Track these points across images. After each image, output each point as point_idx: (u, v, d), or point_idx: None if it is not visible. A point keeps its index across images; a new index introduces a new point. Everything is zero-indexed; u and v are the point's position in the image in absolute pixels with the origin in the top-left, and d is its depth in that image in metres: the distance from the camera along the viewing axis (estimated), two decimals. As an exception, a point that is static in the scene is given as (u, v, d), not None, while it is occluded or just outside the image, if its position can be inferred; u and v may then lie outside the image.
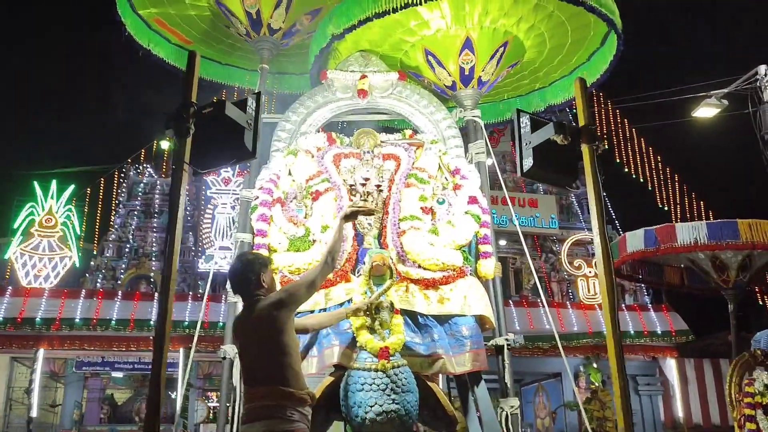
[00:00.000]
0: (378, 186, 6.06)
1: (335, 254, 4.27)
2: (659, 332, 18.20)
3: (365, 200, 4.61)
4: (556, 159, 4.45)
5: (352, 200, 6.29)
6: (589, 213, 4.77)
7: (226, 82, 9.36)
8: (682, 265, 13.12)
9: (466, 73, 7.33)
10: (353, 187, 6.45)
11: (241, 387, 5.93)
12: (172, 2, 8.18)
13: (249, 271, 3.94)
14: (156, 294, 16.94)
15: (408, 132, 6.99)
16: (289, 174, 6.59)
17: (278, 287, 4.18)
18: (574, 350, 17.48)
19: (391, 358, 4.98)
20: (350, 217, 4.46)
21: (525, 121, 4.53)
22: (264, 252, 5.93)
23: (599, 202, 4.36)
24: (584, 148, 4.41)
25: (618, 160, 21.22)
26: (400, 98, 7.11)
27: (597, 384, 16.76)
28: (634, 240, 12.06)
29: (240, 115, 4.37)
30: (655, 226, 11.85)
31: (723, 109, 11.57)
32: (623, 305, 19.33)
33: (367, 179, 6.32)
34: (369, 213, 4.73)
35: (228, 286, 6.78)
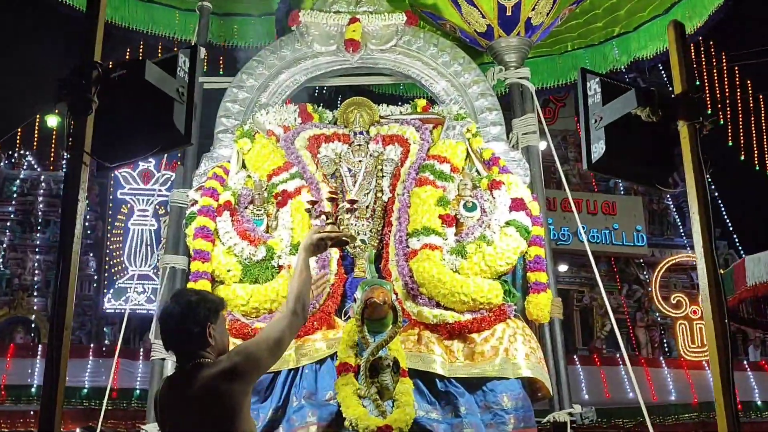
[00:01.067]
0: (352, 203, 5.72)
1: (305, 302, 4.25)
2: (799, 403, 18.25)
3: (331, 222, 4.44)
4: (640, 144, 4.48)
5: (337, 205, 6.34)
6: (691, 224, 4.77)
7: (149, 29, 9.35)
8: (829, 305, 13.19)
9: (509, 13, 7.38)
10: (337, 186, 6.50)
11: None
12: None
13: (190, 322, 3.92)
14: (39, 347, 16.97)
15: (421, 103, 7.06)
16: (243, 167, 6.65)
17: (230, 342, 4.18)
18: (672, 429, 17.53)
19: (395, 443, 5.02)
20: (318, 248, 4.41)
21: (594, 86, 4.55)
22: (206, 284, 5.98)
23: (705, 208, 4.38)
24: (682, 128, 4.44)
25: (731, 143, 21.24)
26: (409, 52, 7.18)
27: (706, 482, 16.82)
28: (757, 267, 12.10)
29: (167, 81, 4.39)
30: (789, 248, 11.91)
31: None
32: (746, 363, 19.38)
33: (334, 193, 5.43)
34: (342, 243, 4.61)
35: (152, 335, 6.82)
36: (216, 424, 3.73)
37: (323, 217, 4.54)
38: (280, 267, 6.05)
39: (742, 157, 21.23)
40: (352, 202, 5.19)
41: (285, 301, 4.22)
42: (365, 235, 6.34)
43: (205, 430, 3.75)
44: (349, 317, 5.76)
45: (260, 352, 3.92)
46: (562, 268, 19.70)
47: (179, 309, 3.92)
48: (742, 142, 21.31)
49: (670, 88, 4.73)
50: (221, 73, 9.28)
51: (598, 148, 4.47)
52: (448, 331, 5.79)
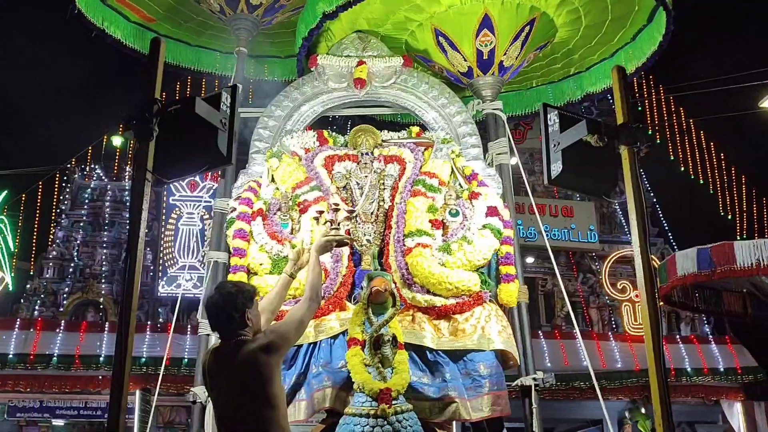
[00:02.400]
0: (351, 212, 5.86)
1: (318, 290, 4.41)
2: (722, 370, 18.24)
3: (335, 228, 4.55)
4: (590, 163, 4.55)
5: (348, 213, 6.39)
6: (630, 227, 4.86)
7: (195, 67, 9.42)
8: (745, 290, 13.22)
9: (485, 57, 7.46)
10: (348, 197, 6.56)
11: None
12: (131, -29, 8.30)
13: (231, 308, 3.99)
14: (107, 324, 17.03)
15: (415, 129, 7.13)
16: (272, 181, 6.71)
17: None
18: (618, 392, 17.55)
19: (393, 401, 5.06)
20: (325, 248, 4.57)
21: (553, 117, 4.62)
22: (242, 275, 6.05)
23: (641, 214, 4.47)
24: (623, 151, 4.52)
25: (673, 157, 21.28)
26: (405, 88, 7.24)
27: (646, 433, 16.84)
28: (686, 261, 12.14)
29: (212, 113, 4.47)
30: (710, 245, 11.95)
31: (796, 98, 11.68)
32: (678, 337, 19.39)
33: (336, 204, 5.82)
34: (342, 244, 4.76)
35: (199, 315, 6.90)
36: (255, 388, 3.82)
37: (328, 224, 4.64)
38: (302, 261, 6.09)
39: (682, 168, 21.27)
40: (351, 212, 5.44)
41: (305, 290, 4.37)
42: (370, 236, 6.39)
43: (246, 392, 3.84)
44: (357, 301, 5.82)
45: (289, 331, 4.06)
46: (529, 260, 19.72)
47: (222, 299, 4.02)
48: (680, 156, 21.36)
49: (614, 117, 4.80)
50: (250, 102, 9.32)
51: (557, 167, 4.55)
52: (436, 313, 5.87)
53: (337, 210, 4.79)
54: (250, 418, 3.81)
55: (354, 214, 6.28)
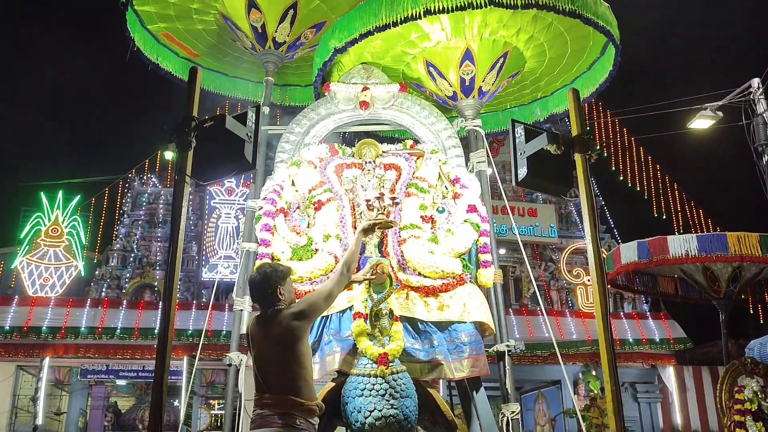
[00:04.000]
0: (393, 199, 6.00)
1: (351, 265, 4.42)
2: (658, 340, 18.26)
3: (381, 212, 4.63)
4: (550, 168, 4.50)
5: (354, 210, 6.33)
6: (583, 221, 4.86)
7: (232, 94, 9.48)
8: (676, 276, 13.25)
9: (467, 83, 7.40)
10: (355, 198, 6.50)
11: (245, 394, 6.00)
12: (180, 17, 8.26)
13: (266, 285, 4.04)
14: (160, 303, 16.99)
15: (409, 142, 7.05)
16: (293, 184, 6.64)
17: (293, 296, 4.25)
18: (573, 358, 17.54)
19: (390, 364, 5.01)
20: (368, 230, 4.60)
21: (519, 131, 4.58)
22: (267, 261, 5.99)
23: (592, 211, 4.41)
24: (577, 158, 4.46)
25: (614, 168, 21.30)
26: (402, 109, 7.17)
27: (596, 391, 16.78)
28: (628, 252, 12.22)
29: (240, 128, 4.44)
30: (648, 239, 11.99)
31: (718, 121, 11.64)
32: (622, 313, 19.38)
33: (381, 194, 6.14)
34: (387, 226, 4.90)
35: (234, 294, 6.87)
36: (286, 347, 3.83)
37: (375, 210, 4.68)
38: (316, 250, 6.04)
39: (621, 178, 21.28)
40: (393, 198, 5.41)
41: (337, 265, 4.52)
42: (372, 229, 6.31)
43: (279, 351, 3.82)
44: (361, 282, 5.75)
45: (317, 302, 4.11)
46: (502, 251, 19.66)
47: (260, 277, 4.04)
48: (621, 168, 21.36)
49: (570, 132, 4.74)
50: (279, 123, 9.32)
51: (523, 171, 4.50)
52: (426, 292, 5.78)
53: (381, 197, 4.79)
54: (282, 372, 3.80)
55: (396, 201, 6.24)
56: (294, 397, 3.73)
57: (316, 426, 3.85)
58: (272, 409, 3.73)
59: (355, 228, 6.25)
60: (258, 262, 6.08)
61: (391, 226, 4.99)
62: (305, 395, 3.76)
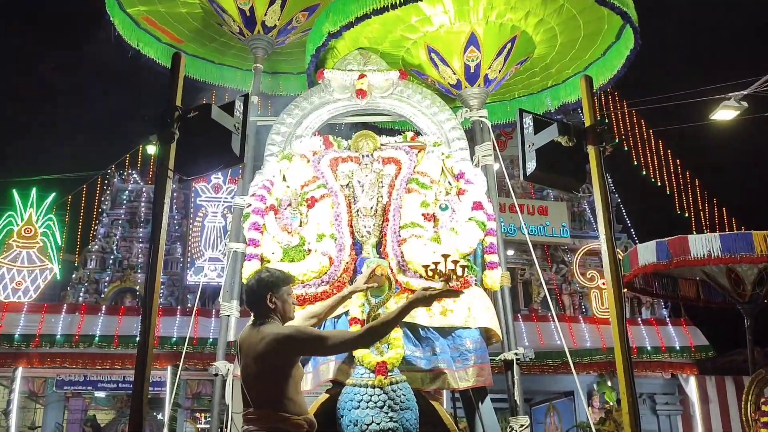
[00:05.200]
0: (455, 262, 5.25)
1: (376, 337, 4.26)
2: (678, 348, 18.21)
3: (444, 280, 4.23)
4: (561, 161, 4.48)
5: (350, 208, 6.32)
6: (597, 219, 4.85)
7: (220, 82, 9.45)
8: (698, 278, 13.21)
9: (472, 70, 7.38)
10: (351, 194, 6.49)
11: (232, 407, 5.97)
12: (161, 0, 8.24)
13: (257, 293, 3.95)
14: (142, 308, 16.98)
15: (409, 134, 7.04)
16: (284, 180, 6.63)
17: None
18: (587, 367, 17.50)
19: (389, 373, 5.01)
20: (427, 303, 4.26)
21: (528, 121, 4.57)
22: (256, 263, 5.98)
23: (607, 209, 4.38)
24: (590, 150, 4.44)
25: (636, 163, 21.28)
26: (402, 98, 7.16)
27: (611, 403, 16.76)
28: (646, 252, 12.16)
29: (227, 119, 4.43)
30: (667, 238, 11.95)
31: (742, 111, 11.62)
32: (639, 319, 19.35)
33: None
34: (449, 296, 4.37)
35: (220, 299, 6.86)
36: (271, 365, 3.75)
37: (440, 278, 4.36)
38: (309, 251, 6.03)
39: (643, 172, 21.30)
40: (455, 262, 4.46)
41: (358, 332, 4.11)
42: (370, 228, 6.29)
43: (263, 368, 3.77)
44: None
45: (315, 341, 3.90)
46: (510, 252, 19.67)
47: (254, 283, 3.99)
48: (638, 162, 21.38)
49: (583, 122, 4.73)
50: (270, 114, 9.31)
51: (531, 165, 4.49)
52: (428, 295, 5.77)
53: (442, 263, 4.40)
54: (264, 388, 3.76)
55: (368, 209, 6.27)
56: (279, 412, 3.69)
57: None
58: (257, 424, 3.71)
59: (351, 227, 6.24)
60: (246, 264, 6.07)
61: (456, 295, 4.52)
62: (291, 410, 3.72)
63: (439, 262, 4.25)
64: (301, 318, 4.72)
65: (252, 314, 4.02)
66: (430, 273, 4.31)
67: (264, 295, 3.92)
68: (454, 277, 4.26)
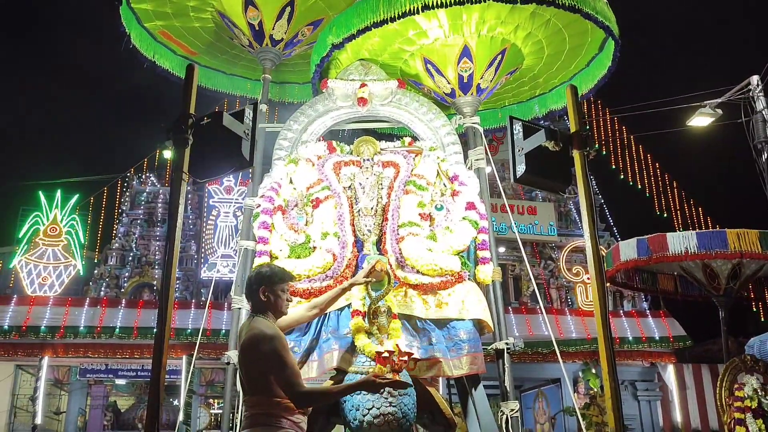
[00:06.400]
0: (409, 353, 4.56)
1: (313, 403, 3.93)
2: (657, 338, 18.25)
3: (395, 371, 4.07)
4: (548, 165, 4.49)
5: (352, 208, 6.32)
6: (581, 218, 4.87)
7: (230, 91, 9.46)
8: (675, 273, 13.25)
9: (465, 80, 7.38)
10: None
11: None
12: (177, 15, 8.25)
13: (252, 285, 3.91)
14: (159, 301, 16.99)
15: (407, 139, 7.03)
16: (291, 182, 6.62)
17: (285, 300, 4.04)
18: (573, 356, 17.54)
19: (388, 362, 4.98)
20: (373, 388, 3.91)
21: (517, 127, 4.57)
22: (265, 258, 5.97)
23: (590, 208, 4.39)
24: (575, 154, 4.45)
25: (613, 166, 21.28)
26: (400, 106, 7.15)
27: (595, 389, 16.78)
28: (627, 249, 12.21)
29: (237, 126, 4.44)
30: (647, 236, 11.98)
31: (717, 118, 11.61)
32: (621, 311, 19.37)
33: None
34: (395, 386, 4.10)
35: (232, 292, 6.85)
36: (252, 358, 3.71)
37: (389, 366, 4.23)
38: (314, 248, 6.02)
39: (621, 176, 21.27)
40: (408, 354, 4.32)
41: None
42: (370, 227, 6.27)
43: (247, 359, 3.74)
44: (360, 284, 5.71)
45: (268, 356, 3.64)
46: (501, 249, 19.68)
47: (253, 275, 3.96)
48: (621, 166, 21.37)
49: (569, 129, 4.72)
50: (276, 121, 9.32)
51: (521, 168, 4.50)
52: (424, 290, 5.76)
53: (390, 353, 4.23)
54: (256, 377, 3.70)
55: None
56: (271, 397, 3.64)
57: (302, 423, 3.74)
58: (254, 410, 3.67)
59: (353, 226, 6.24)
60: (256, 260, 6.07)
61: (403, 387, 4.21)
62: (282, 394, 3.66)
63: (393, 352, 4.09)
64: (304, 308, 4.70)
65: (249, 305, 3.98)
66: (383, 360, 4.12)
67: (257, 287, 3.88)
68: (406, 368, 4.14)
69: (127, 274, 19.71)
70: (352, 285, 4.99)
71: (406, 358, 4.11)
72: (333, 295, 4.82)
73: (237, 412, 6.25)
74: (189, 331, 16.09)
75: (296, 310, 4.85)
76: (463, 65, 7.29)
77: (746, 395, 7.21)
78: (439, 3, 6.48)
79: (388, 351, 4.12)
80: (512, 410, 5.97)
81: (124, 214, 20.68)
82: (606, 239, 21.02)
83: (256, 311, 3.89)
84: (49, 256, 17.47)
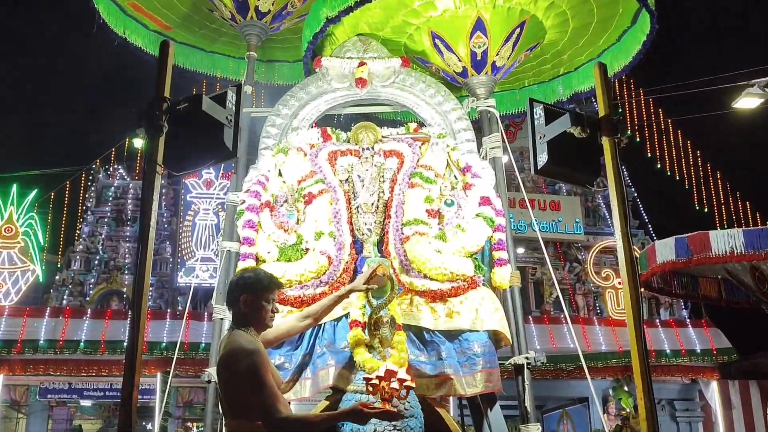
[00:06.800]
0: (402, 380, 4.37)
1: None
2: (699, 351, 18.23)
3: (386, 399, 4.05)
4: (574, 154, 4.47)
5: (349, 204, 6.33)
6: (611, 212, 4.87)
7: (211, 72, 9.44)
8: (719, 277, 13.21)
9: (479, 57, 7.38)
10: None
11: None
12: (149, -16, 8.26)
13: (233, 293, 3.89)
14: (129, 312, 16.99)
15: (412, 125, 7.04)
16: (279, 175, 6.64)
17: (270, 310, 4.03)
18: (602, 372, 17.53)
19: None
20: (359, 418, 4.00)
21: (539, 111, 4.55)
22: (251, 262, 5.98)
23: (622, 202, 4.38)
24: (605, 141, 4.44)
25: (649, 155, 21.23)
26: (404, 87, 7.16)
27: (628, 409, 16.78)
28: (665, 249, 12.15)
29: (219, 111, 4.43)
30: (687, 234, 11.93)
31: (766, 99, 11.62)
32: (658, 321, 19.36)
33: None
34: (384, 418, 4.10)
35: (213, 301, 6.85)
36: (223, 383, 3.71)
37: (378, 394, 4.20)
38: (306, 250, 6.03)
39: (658, 166, 21.23)
40: (401, 381, 4.21)
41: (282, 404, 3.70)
42: (370, 225, 6.29)
43: (221, 377, 3.74)
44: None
45: (244, 376, 3.62)
46: (520, 250, 19.68)
47: (234, 280, 3.95)
48: (657, 154, 21.32)
49: (597, 112, 4.73)
50: (263, 105, 9.30)
51: (543, 158, 4.48)
52: (433, 297, 5.77)
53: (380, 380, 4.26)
54: (233, 399, 3.69)
55: (368, 206, 6.26)
56: (253, 422, 3.58)
57: None
58: None
59: (351, 224, 6.25)
60: (240, 264, 6.08)
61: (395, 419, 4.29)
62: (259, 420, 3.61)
63: (383, 378, 4.07)
64: (295, 318, 4.70)
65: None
66: (371, 388, 4.10)
67: (238, 295, 3.85)
68: (397, 397, 4.12)
69: (92, 280, 19.73)
70: (350, 292, 5.00)
71: (397, 385, 4.08)
72: (328, 304, 4.83)
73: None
74: (164, 345, 16.10)
75: (286, 320, 4.85)
76: (477, 40, 7.28)
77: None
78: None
79: (378, 377, 4.10)
80: (533, 434, 5.99)
81: (89, 212, 20.70)
82: (640, 238, 21.03)
83: (236, 323, 3.87)
84: (4, 260, 17.49)
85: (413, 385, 4.30)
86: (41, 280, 18.21)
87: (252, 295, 3.86)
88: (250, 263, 6.00)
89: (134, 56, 8.97)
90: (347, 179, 6.55)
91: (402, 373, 4.15)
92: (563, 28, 7.63)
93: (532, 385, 6.23)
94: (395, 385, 4.10)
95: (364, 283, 4.99)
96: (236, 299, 3.86)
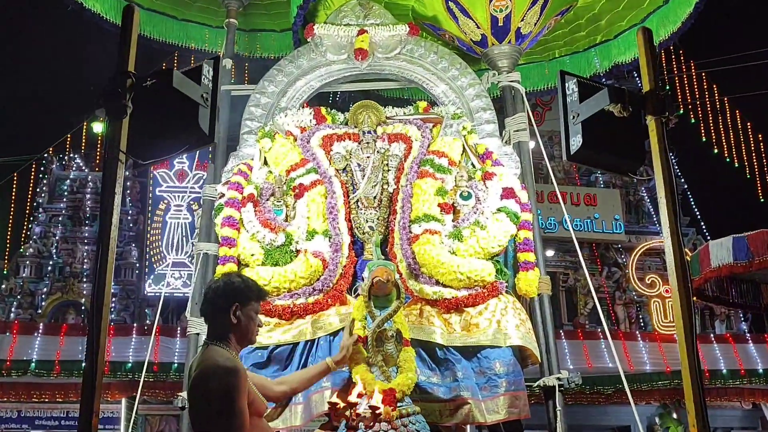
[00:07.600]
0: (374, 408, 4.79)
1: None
2: (761, 371, 18.19)
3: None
4: (613, 137, 4.45)
5: (347, 197, 6.33)
6: (659, 206, 4.82)
7: (184, 43, 9.38)
8: (787, 283, 13.19)
9: (500, 23, 7.38)
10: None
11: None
12: (110, -60, 8.26)
13: (218, 302, 3.78)
14: (89, 326, 17.03)
15: (422, 104, 7.05)
16: (265, 163, 6.65)
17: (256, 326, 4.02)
18: (647, 395, 17.48)
19: (398, 403, 4.98)
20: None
21: (571, 86, 4.53)
22: (232, 267, 5.98)
23: (671, 195, 4.35)
24: (650, 122, 4.41)
25: (704, 139, 21.16)
26: (412, 59, 7.17)
27: (678, 440, 16.80)
28: (720, 251, 12.11)
29: (193, 88, 4.40)
30: (746, 233, 11.90)
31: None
32: (713, 335, 19.36)
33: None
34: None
35: (187, 313, 6.86)
36: (192, 395, 3.69)
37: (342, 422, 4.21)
38: (297, 251, 6.04)
39: (716, 150, 21.13)
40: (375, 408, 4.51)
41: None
42: (373, 222, 6.32)
43: (191, 400, 3.71)
44: (358, 294, 5.72)
45: (220, 400, 3.58)
46: (549, 253, 19.67)
47: (220, 286, 3.85)
48: (713, 138, 21.22)
49: (640, 88, 4.72)
50: (247, 81, 9.29)
51: (576, 141, 4.46)
52: (446, 306, 5.79)
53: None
54: (198, 427, 3.67)
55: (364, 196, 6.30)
56: None
57: None
58: None
59: (350, 221, 6.26)
60: (219, 269, 6.07)
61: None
62: None
63: (343, 406, 4.15)
64: (273, 382, 4.64)
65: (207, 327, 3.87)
66: (334, 412, 4.18)
67: (227, 305, 3.79)
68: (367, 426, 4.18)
69: (45, 289, 19.78)
70: (337, 364, 4.82)
71: (369, 414, 4.08)
72: (308, 377, 4.65)
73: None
74: (130, 365, 16.05)
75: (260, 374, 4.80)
76: (498, 3, 7.29)
77: None
78: None
79: (347, 403, 4.11)
80: (566, 468, 6.00)
81: (40, 209, 20.74)
82: (691, 238, 21.02)
83: (214, 337, 3.83)
84: (-59, 266, 17.55)
85: (393, 413, 4.30)
86: (-16, 289, 18.26)
87: (245, 305, 3.82)
88: (231, 268, 5.99)
89: (93, 25, 8.95)
90: (345, 168, 6.57)
91: (376, 399, 4.15)
92: (601, -12, 7.66)
93: (564, 411, 6.23)
94: (363, 411, 4.10)
95: (349, 335, 4.96)
96: (224, 310, 3.81)
